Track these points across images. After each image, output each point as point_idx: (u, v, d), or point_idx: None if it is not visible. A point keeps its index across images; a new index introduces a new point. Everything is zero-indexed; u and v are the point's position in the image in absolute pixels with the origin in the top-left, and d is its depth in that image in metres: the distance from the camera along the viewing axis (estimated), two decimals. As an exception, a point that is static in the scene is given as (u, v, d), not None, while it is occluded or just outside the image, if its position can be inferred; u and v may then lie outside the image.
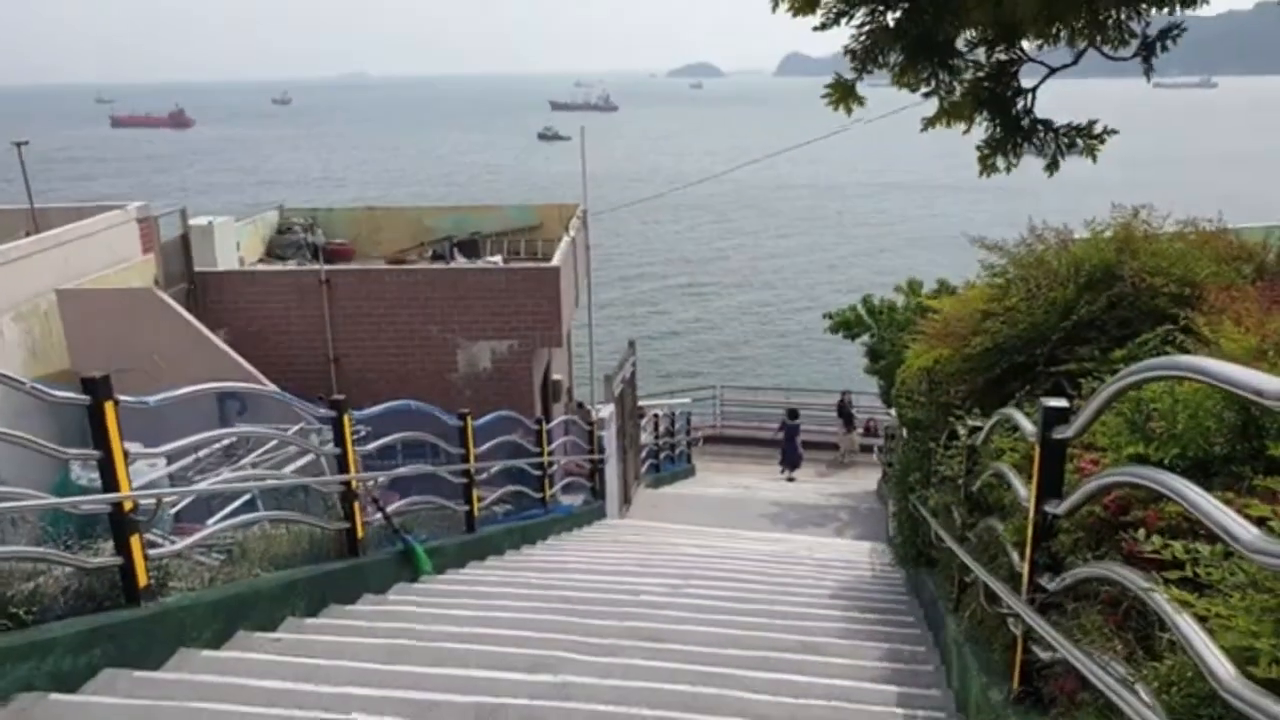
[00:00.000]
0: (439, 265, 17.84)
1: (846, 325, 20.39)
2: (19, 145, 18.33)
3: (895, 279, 21.66)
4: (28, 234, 15.71)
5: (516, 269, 16.28)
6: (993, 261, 7.13)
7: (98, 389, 4.68)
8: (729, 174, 26.46)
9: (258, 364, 14.35)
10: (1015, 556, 3.80)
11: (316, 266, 16.57)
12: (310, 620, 5.22)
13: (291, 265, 18.54)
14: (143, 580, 4.37)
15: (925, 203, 65.11)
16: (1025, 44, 3.56)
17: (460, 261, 18.54)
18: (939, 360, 7.86)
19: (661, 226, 56.04)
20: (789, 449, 20.54)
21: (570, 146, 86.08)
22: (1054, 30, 3.37)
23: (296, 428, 9.50)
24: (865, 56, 3.13)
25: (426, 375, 15.13)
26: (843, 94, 3.33)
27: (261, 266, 18.81)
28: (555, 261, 16.18)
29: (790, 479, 20.18)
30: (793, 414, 20.91)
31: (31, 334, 14.12)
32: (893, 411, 14.15)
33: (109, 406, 4.64)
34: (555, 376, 17.57)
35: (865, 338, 20.08)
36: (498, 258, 19.28)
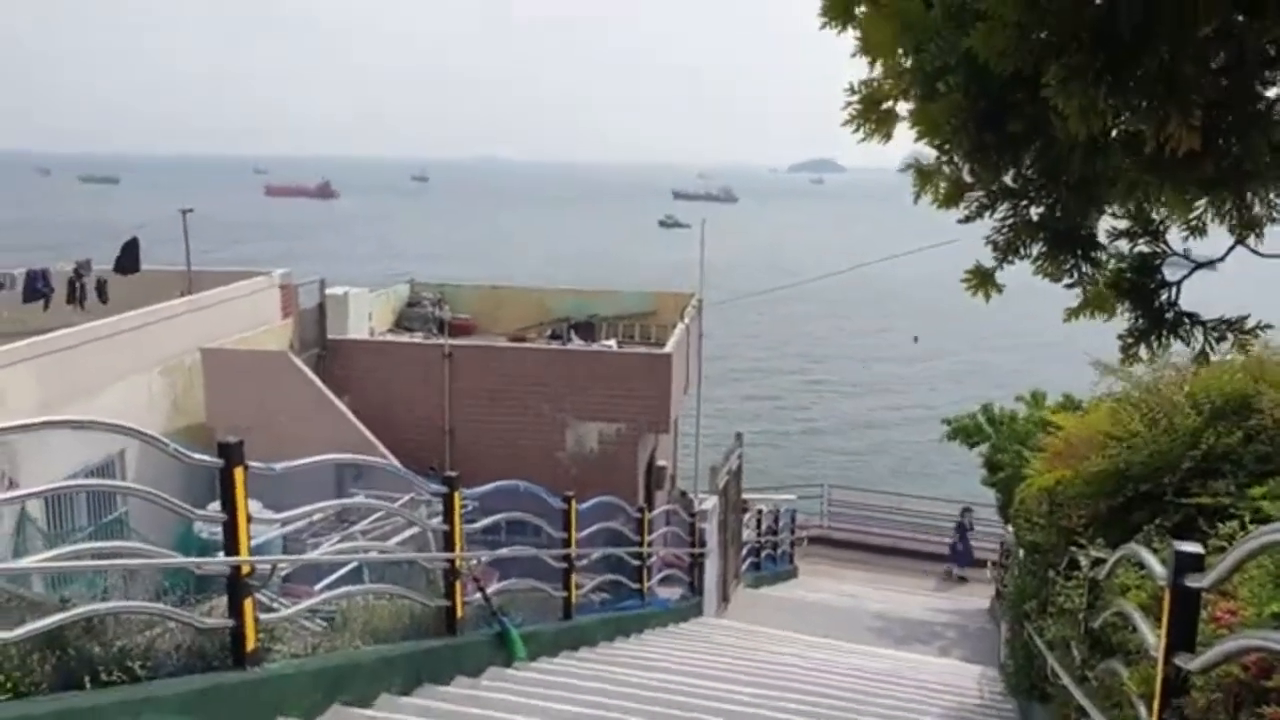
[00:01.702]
0: (556, 346, 18.26)
1: (965, 433, 19.74)
2: (184, 212, 19.88)
3: (1018, 388, 20.91)
4: (182, 294, 16.92)
5: (629, 354, 16.51)
6: (1113, 384, 6.84)
7: (231, 454, 4.93)
8: (848, 272, 26.27)
9: (377, 429, 14.88)
10: (1142, 710, 3.53)
11: (441, 340, 17.20)
12: (405, 699, 5.26)
13: (418, 338, 19.30)
14: (251, 644, 4.51)
15: (1054, 310, 62.95)
16: (1168, 238, 3.50)
17: (576, 343, 18.92)
18: (1060, 481, 7.51)
19: (777, 319, 55.96)
20: (961, 547, 20.26)
21: (689, 235, 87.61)
22: (1198, 223, 3.30)
23: (407, 498, 9.77)
24: (1007, 248, 3.12)
25: (535, 452, 15.35)
26: (981, 281, 3.32)
27: (390, 337, 19.64)
28: (668, 348, 16.33)
29: (962, 579, 20.04)
30: (966, 511, 20.64)
31: (175, 388, 15.05)
32: (1009, 527, 13.52)
33: (239, 472, 4.88)
34: (660, 463, 17.57)
35: (984, 447, 19.37)
36: (612, 342, 19.59)
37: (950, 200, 3.24)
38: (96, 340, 13.61)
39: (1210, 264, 3.58)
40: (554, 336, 20.25)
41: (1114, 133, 2.83)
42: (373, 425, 14.92)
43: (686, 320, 18.73)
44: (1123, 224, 3.49)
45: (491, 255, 70.91)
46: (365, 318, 19.32)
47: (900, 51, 3.04)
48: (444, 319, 20.65)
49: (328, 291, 18.25)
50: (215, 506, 4.72)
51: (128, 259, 16.89)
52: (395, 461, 13.25)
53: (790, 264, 71.22)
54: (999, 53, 2.61)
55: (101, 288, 16.18)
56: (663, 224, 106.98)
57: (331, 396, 14.96)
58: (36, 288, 15.32)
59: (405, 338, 19.56)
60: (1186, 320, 3.46)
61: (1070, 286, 3.47)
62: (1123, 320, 3.58)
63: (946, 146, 3.08)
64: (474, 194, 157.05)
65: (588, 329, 20.57)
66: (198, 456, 4.87)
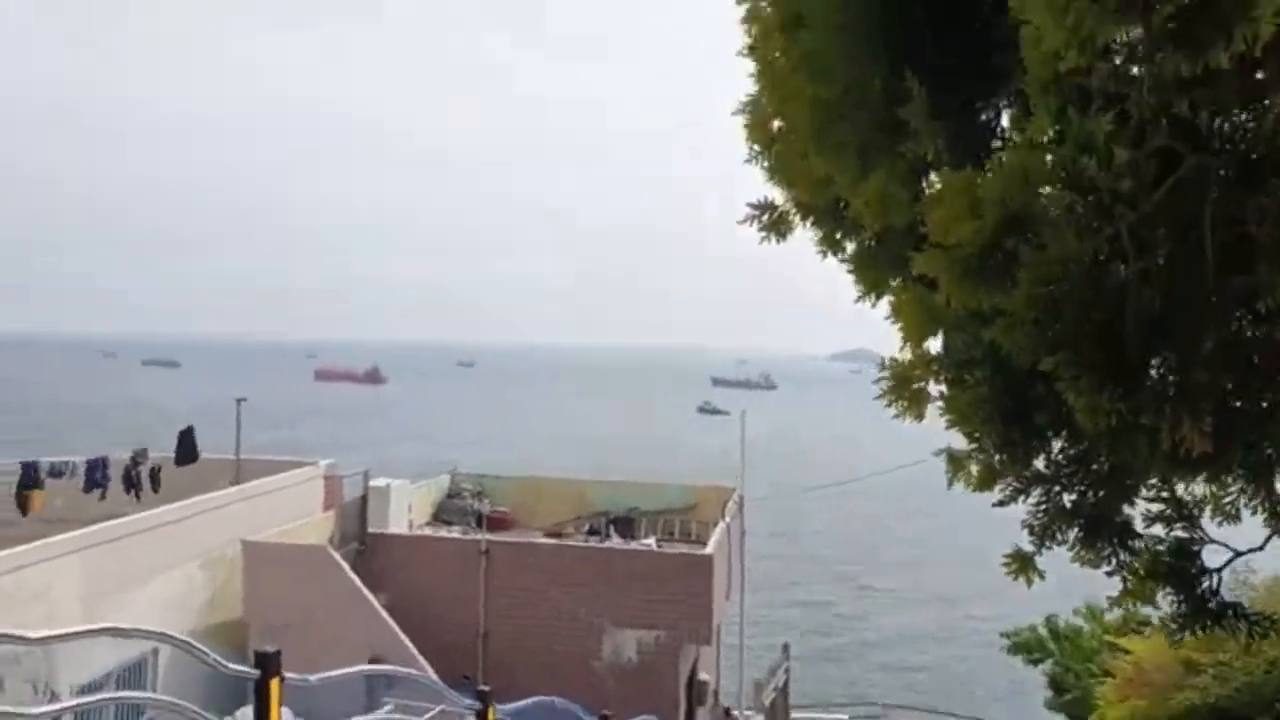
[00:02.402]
0: (594, 542, 18.06)
1: (1026, 648, 18.58)
2: (239, 401, 20.53)
3: (1079, 597, 19.93)
4: (231, 483, 17.20)
5: (669, 554, 16.26)
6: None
7: (268, 664, 4.92)
8: (894, 471, 26.02)
9: (412, 628, 14.59)
10: None
11: (478, 536, 17.14)
12: None
13: (456, 531, 19.24)
14: None
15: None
16: (1204, 522, 3.52)
17: (615, 540, 18.70)
18: (1135, 714, 7.08)
19: (823, 517, 54.91)
20: None
21: (728, 422, 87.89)
22: (1231, 509, 3.33)
23: (438, 709, 9.47)
24: (1043, 534, 3.17)
25: (571, 660, 14.87)
26: (1022, 565, 3.34)
27: (428, 531, 19.61)
28: (709, 549, 16.07)
29: None
30: None
31: (215, 580, 15.03)
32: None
33: (275, 684, 4.86)
34: (702, 677, 16.86)
35: (1047, 665, 18.16)
36: (652, 540, 19.33)
37: (984, 485, 3.29)
38: (142, 531, 13.77)
39: (1248, 552, 3.54)
40: (592, 532, 20.06)
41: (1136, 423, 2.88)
42: (408, 624, 14.65)
43: (728, 518, 18.51)
44: (1157, 507, 3.49)
45: (532, 441, 71.54)
46: (405, 510, 19.37)
47: (928, 340, 3.18)
48: (482, 512, 20.64)
49: (371, 483, 18.43)
50: (245, 712, 4.64)
51: (185, 449, 17.33)
52: (428, 667, 12.94)
53: (833, 456, 70.82)
54: (1019, 348, 2.68)
55: (155, 476, 16.53)
56: (702, 410, 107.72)
57: (367, 594, 14.80)
58: (95, 477, 15.69)
59: (444, 531, 19.52)
60: (1230, 612, 3.38)
61: (1110, 574, 3.43)
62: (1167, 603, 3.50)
63: (976, 435, 3.16)
64: (518, 378, 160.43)
65: (626, 524, 20.37)
66: (234, 667, 4.84)
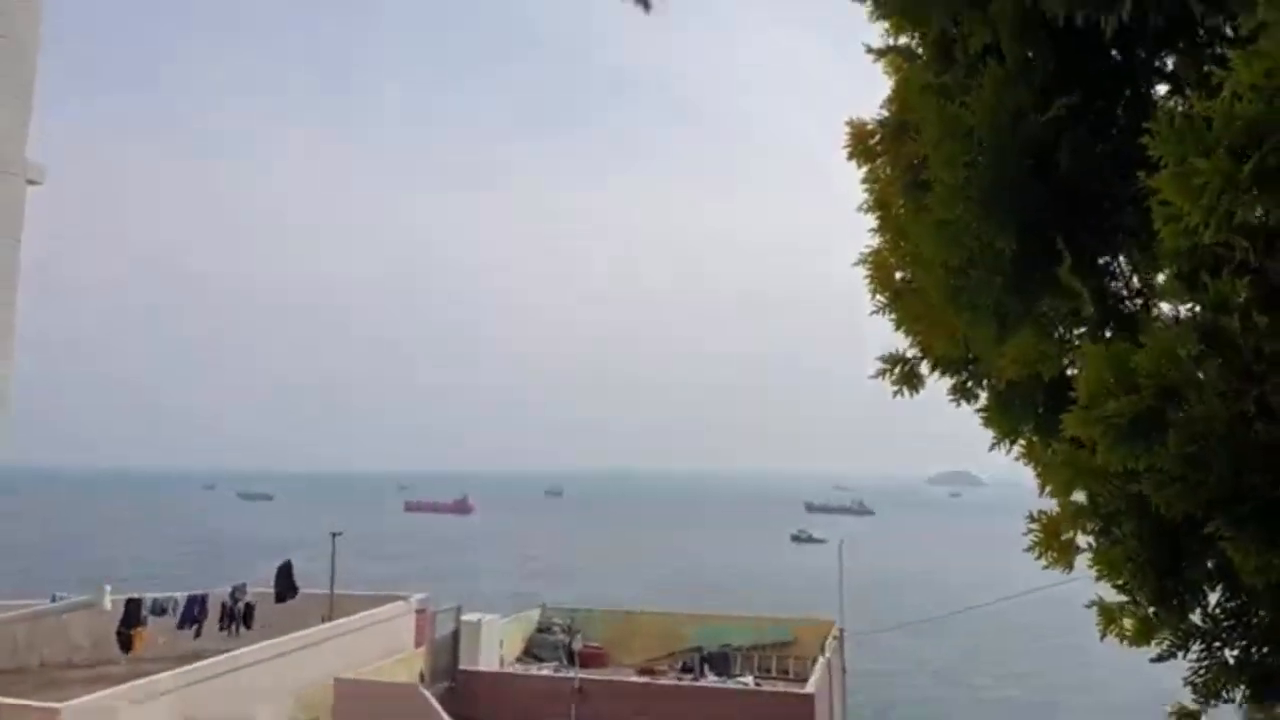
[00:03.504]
0: (688, 680, 17.40)
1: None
2: (334, 535, 20.83)
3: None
4: (324, 619, 17.26)
5: (767, 693, 15.52)
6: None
7: None
8: (995, 604, 24.71)
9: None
10: None
11: (570, 674, 16.69)
12: None
13: (548, 668, 18.82)
14: None
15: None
16: None
17: (710, 679, 17.99)
18: None
19: (925, 650, 52.08)
20: None
21: (824, 550, 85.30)
22: None
23: None
24: (1207, 691, 2.97)
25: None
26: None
27: (519, 667, 19.23)
28: (810, 687, 15.30)
29: None
30: None
31: (309, 718, 14.91)
32: None
33: None
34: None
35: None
36: (749, 678, 18.51)
37: (1139, 639, 3.11)
38: (239, 669, 13.84)
39: None
40: (686, 669, 19.35)
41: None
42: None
43: (828, 654, 17.67)
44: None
45: (620, 572, 70.52)
46: (497, 645, 19.09)
47: (1073, 493, 3.15)
48: (574, 648, 20.17)
49: (462, 618, 18.29)
50: None
51: (284, 583, 17.59)
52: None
53: (936, 587, 67.72)
54: (1170, 504, 2.66)
55: (249, 612, 16.72)
56: (796, 538, 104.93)
57: (458, 734, 14.47)
58: (192, 613, 15.96)
59: (535, 668, 19.10)
60: None
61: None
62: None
63: (1128, 587, 3.04)
64: (606, 507, 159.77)
65: (722, 661, 19.60)
66: None
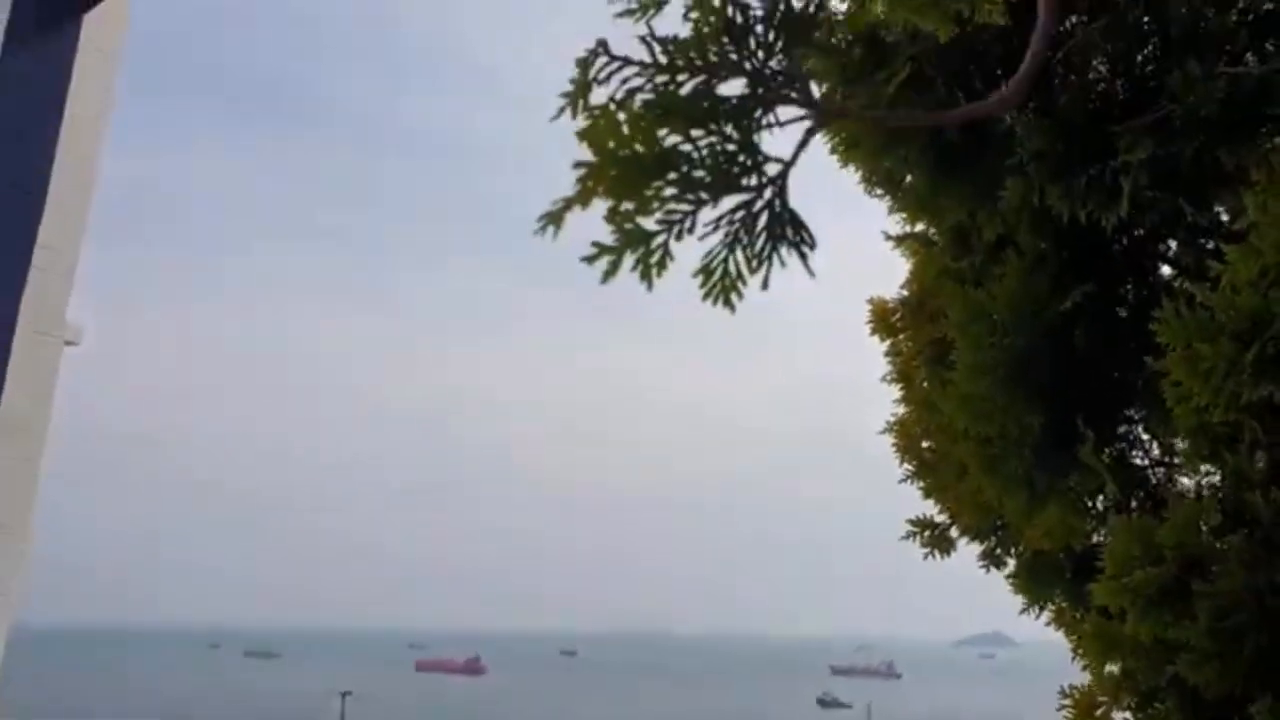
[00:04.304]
0: None
1: None
2: (344, 695, 20.36)
3: None
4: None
5: None
6: None
7: None
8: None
9: None
10: None
11: None
12: None
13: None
14: None
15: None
16: None
17: None
18: None
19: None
20: None
21: (850, 716, 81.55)
22: None
23: None
24: None
25: None
26: None
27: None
28: None
29: None
30: None
31: None
32: None
33: None
34: None
35: None
36: None
37: None
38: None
39: None
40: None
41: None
42: None
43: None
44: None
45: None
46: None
47: (1108, 665, 3.25)
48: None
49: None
50: None
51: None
52: None
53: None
54: (1207, 683, 2.74)
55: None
56: (821, 703, 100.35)
57: None
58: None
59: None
60: None
61: None
62: None
63: None
64: (621, 669, 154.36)
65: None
66: None
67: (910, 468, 4.23)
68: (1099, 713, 3.35)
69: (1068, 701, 3.44)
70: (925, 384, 3.99)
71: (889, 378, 4.32)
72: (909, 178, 3.74)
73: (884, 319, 4.28)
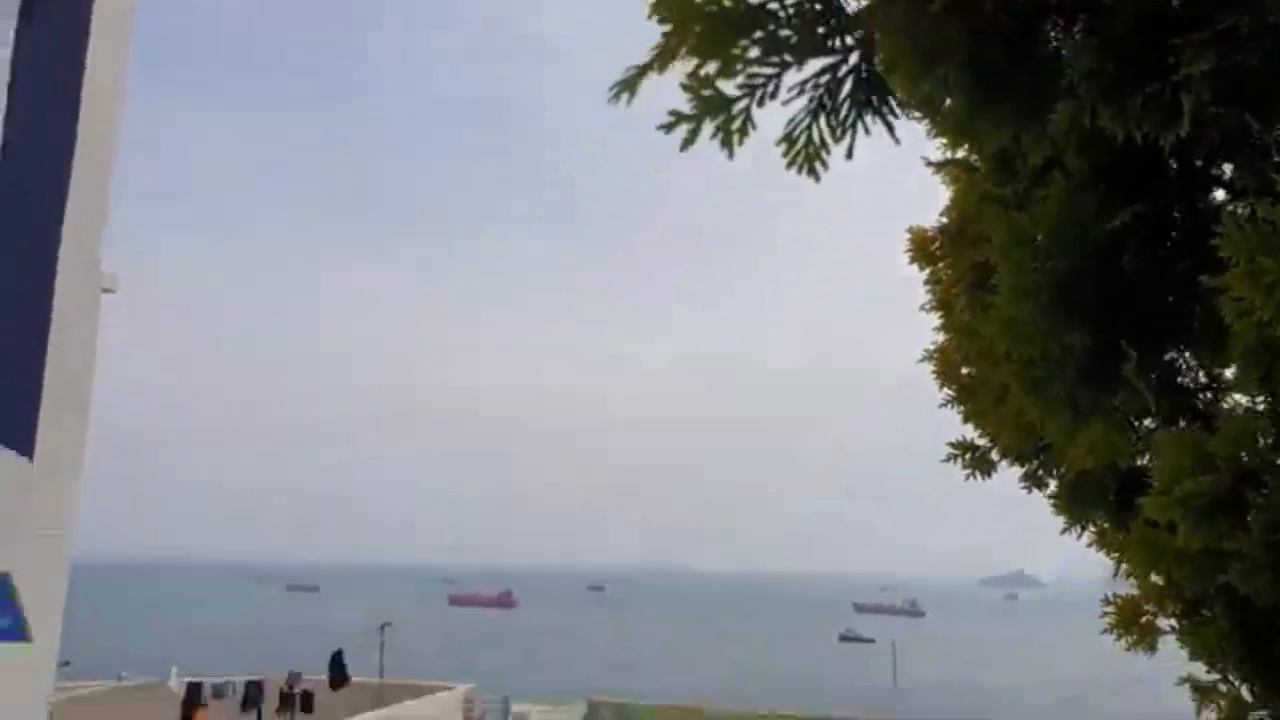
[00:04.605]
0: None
1: None
2: (383, 627, 21.00)
3: None
4: (374, 706, 17.28)
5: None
6: None
7: None
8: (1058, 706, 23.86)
9: None
10: None
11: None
12: None
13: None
14: None
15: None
16: None
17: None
18: None
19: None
20: None
21: (873, 650, 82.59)
22: None
23: None
24: None
25: None
26: None
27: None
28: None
29: None
30: None
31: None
32: None
33: None
34: None
35: None
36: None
37: (1238, 717, 3.21)
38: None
39: None
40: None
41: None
42: None
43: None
44: None
45: (664, 668, 68.93)
46: (545, 737, 18.89)
47: (1153, 574, 3.32)
48: (624, 742, 19.87)
49: (513, 707, 18.21)
50: None
51: (336, 671, 17.72)
52: None
53: (992, 688, 65.15)
54: (1259, 592, 2.78)
55: (307, 698, 16.83)
56: (844, 638, 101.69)
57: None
58: (252, 698, 16.13)
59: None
60: None
61: None
62: None
63: (1223, 666, 3.15)
64: (648, 603, 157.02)
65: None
66: None
67: (950, 393, 4.29)
68: (1143, 620, 3.42)
69: (1110, 609, 3.52)
70: (965, 311, 4.02)
71: (928, 306, 4.36)
72: (948, 101, 3.74)
73: (923, 247, 4.31)
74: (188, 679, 16.23)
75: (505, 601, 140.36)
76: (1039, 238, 3.34)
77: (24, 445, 9.55)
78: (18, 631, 3.32)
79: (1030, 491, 4.36)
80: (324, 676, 18.24)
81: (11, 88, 9.21)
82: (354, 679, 19.29)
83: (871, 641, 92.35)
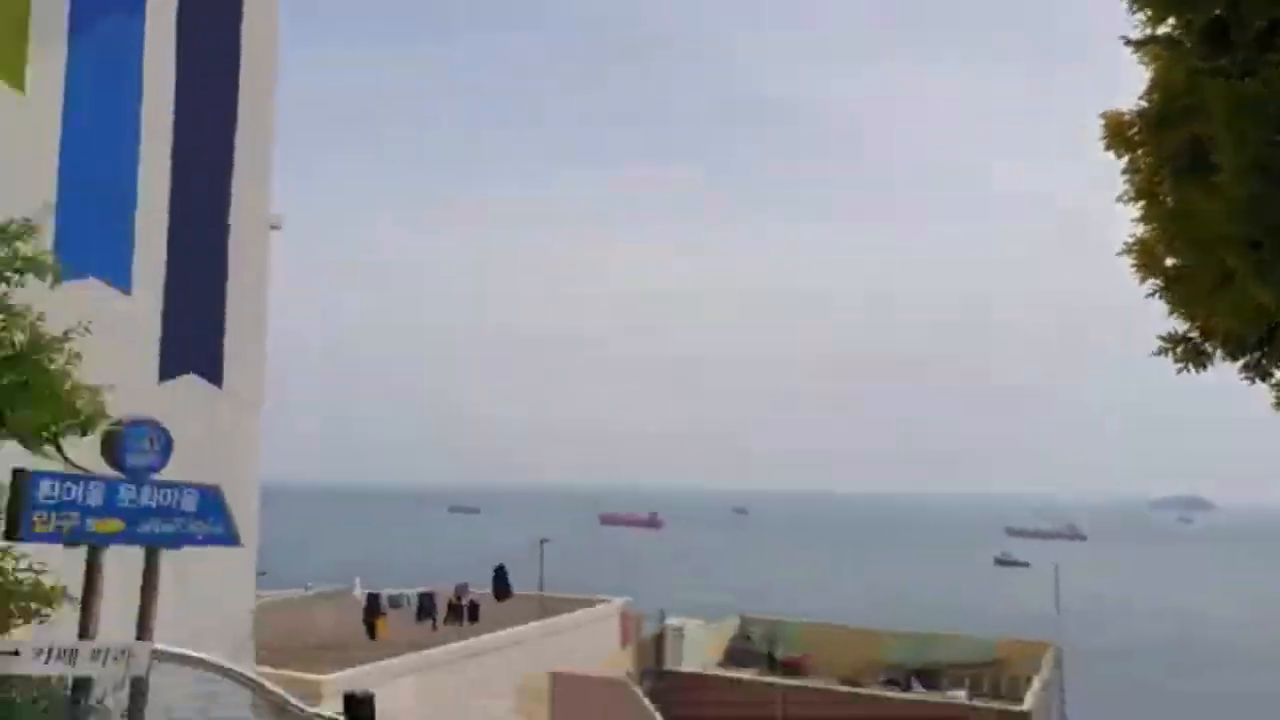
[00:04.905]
0: (894, 693, 17.10)
1: None
2: (542, 542, 21.96)
3: None
4: (536, 618, 18.25)
5: (984, 709, 15.03)
6: None
7: None
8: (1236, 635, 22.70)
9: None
10: None
11: (775, 679, 16.83)
12: None
13: (747, 673, 19.02)
14: None
15: None
16: None
17: (920, 691, 17.61)
18: None
19: (1154, 680, 47.91)
20: None
21: (1028, 574, 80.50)
22: None
23: None
24: None
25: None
26: None
27: (720, 671, 19.54)
28: (1026, 705, 14.71)
29: None
30: None
31: (526, 705, 15.82)
32: None
33: None
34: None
35: None
36: (961, 692, 17.98)
37: None
38: (467, 657, 14.92)
39: None
40: (891, 682, 19.01)
41: None
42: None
43: (1045, 674, 16.90)
44: None
45: (811, 589, 69.48)
46: (699, 649, 19.49)
47: None
48: (775, 656, 20.27)
49: (667, 622, 18.83)
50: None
51: (500, 584, 18.73)
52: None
53: (1164, 619, 62.48)
54: None
55: (474, 609, 17.91)
56: (999, 562, 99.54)
57: (666, 730, 14.92)
58: (425, 608, 17.32)
59: (735, 673, 19.34)
60: None
61: None
62: None
63: None
64: (794, 526, 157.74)
65: (930, 676, 19.13)
66: None
67: (1155, 284, 4.12)
68: None
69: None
70: (1169, 197, 3.82)
71: (1126, 197, 4.16)
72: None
73: (1119, 133, 4.07)
74: (367, 590, 17.57)
75: (653, 522, 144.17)
76: (1268, 107, 3.07)
77: (213, 375, 10.43)
78: (231, 537, 3.71)
79: (1252, 383, 4.12)
80: (488, 589, 19.30)
81: (179, 53, 9.84)
82: (516, 592, 20.34)
83: (1026, 565, 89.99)
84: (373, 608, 16.93)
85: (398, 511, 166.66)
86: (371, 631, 16.53)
